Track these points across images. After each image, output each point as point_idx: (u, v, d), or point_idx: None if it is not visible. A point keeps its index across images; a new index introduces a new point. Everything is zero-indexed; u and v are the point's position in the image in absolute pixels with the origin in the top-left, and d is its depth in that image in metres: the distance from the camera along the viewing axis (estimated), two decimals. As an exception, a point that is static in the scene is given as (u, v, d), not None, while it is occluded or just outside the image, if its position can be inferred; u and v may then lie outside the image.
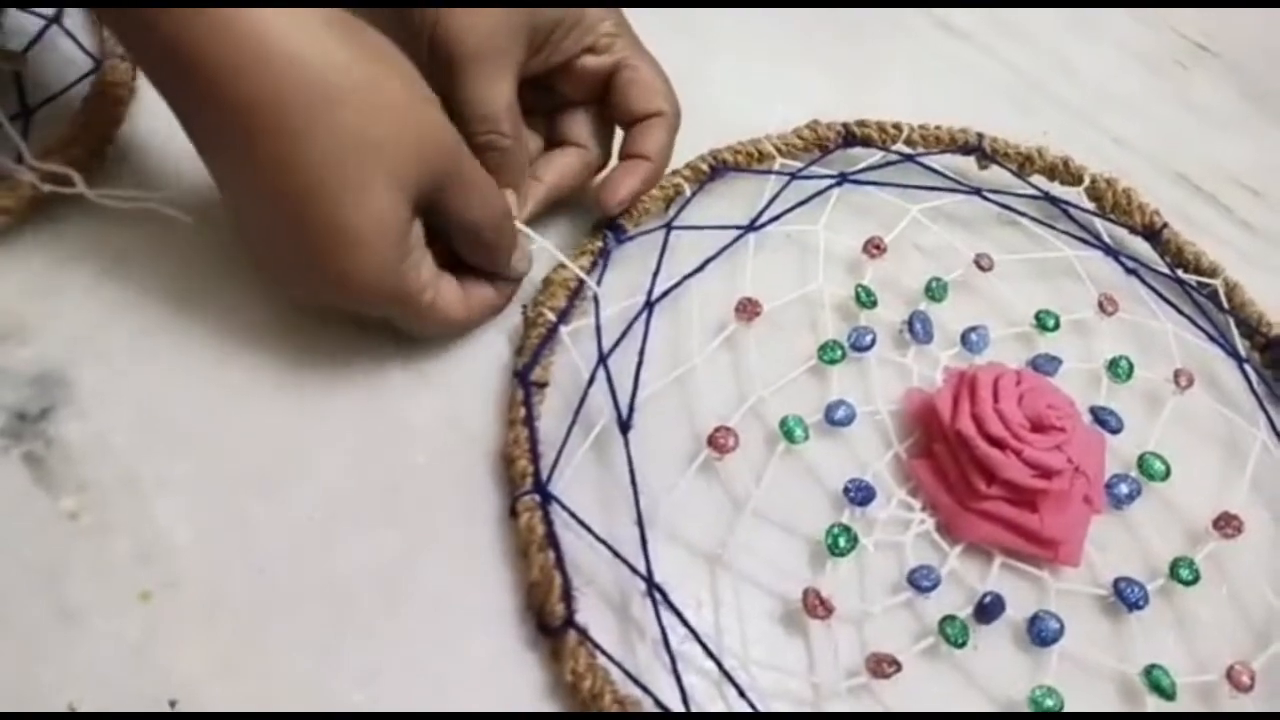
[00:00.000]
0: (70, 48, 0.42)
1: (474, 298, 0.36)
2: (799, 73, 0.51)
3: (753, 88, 0.49)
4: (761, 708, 0.31)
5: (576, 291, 0.38)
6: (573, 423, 0.35)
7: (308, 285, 0.34)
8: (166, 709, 0.29)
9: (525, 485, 0.34)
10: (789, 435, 0.37)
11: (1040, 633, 0.35)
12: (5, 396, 0.34)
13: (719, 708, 0.32)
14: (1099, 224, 0.46)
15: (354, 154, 0.30)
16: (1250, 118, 0.57)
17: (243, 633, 0.31)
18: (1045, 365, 0.41)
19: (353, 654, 0.31)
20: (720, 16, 0.52)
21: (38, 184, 0.36)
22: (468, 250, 0.35)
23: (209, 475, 0.33)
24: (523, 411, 0.35)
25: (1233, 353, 0.43)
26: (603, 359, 0.37)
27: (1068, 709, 0.33)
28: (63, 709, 0.29)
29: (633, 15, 0.40)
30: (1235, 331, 0.44)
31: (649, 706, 0.30)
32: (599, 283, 0.39)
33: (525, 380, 0.36)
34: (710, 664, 0.32)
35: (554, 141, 0.40)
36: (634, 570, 0.32)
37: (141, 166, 0.39)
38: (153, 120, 0.41)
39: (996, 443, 0.36)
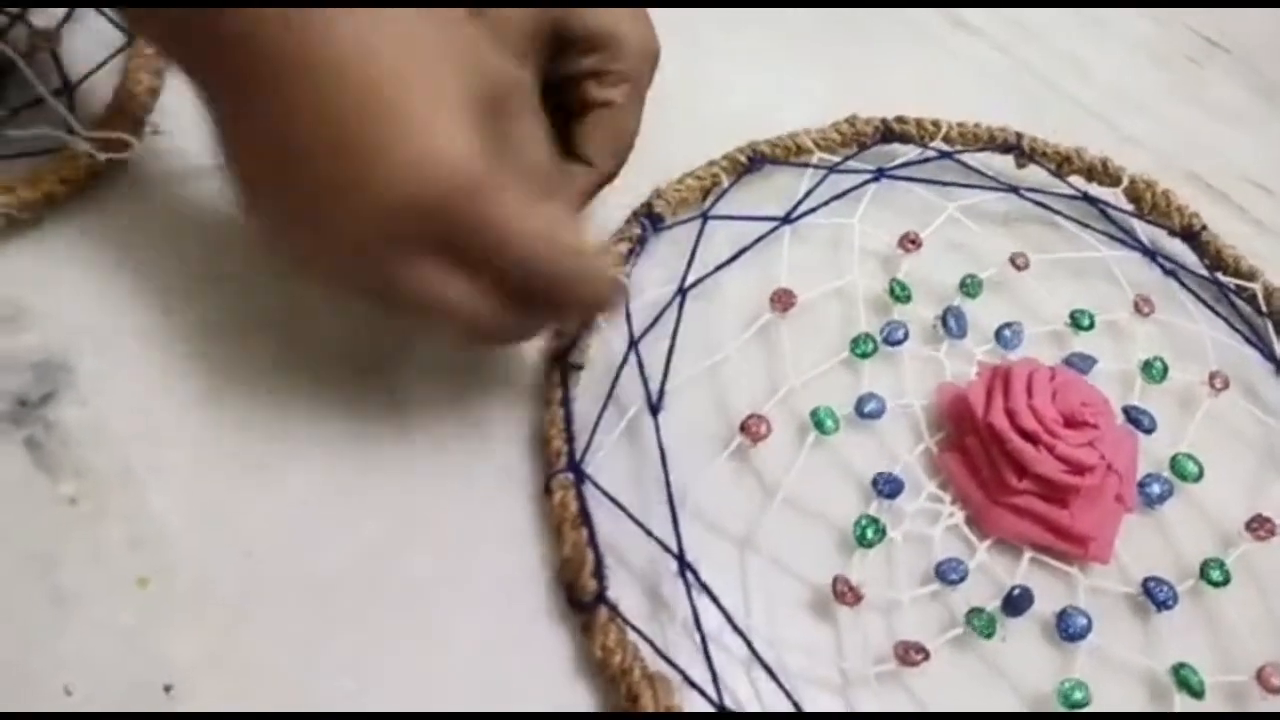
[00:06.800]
0: (100, 23, 0.42)
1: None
2: (807, 73, 0.50)
3: (758, 90, 0.48)
4: (790, 690, 0.31)
5: (615, 277, 0.39)
6: (605, 404, 0.36)
7: (370, 202, 0.29)
8: (161, 694, 0.29)
9: (560, 464, 0.34)
10: (820, 425, 0.37)
11: (1068, 628, 0.35)
12: (8, 381, 0.34)
13: (746, 687, 0.32)
14: (1137, 225, 0.46)
15: (416, 55, 0.29)
16: (1263, 115, 0.56)
17: (236, 619, 0.31)
18: (1079, 364, 0.41)
19: (344, 642, 0.31)
20: (722, 18, 0.52)
21: (95, 153, 0.36)
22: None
23: (202, 463, 0.33)
24: (559, 392, 0.35)
25: (1270, 356, 0.43)
26: (634, 343, 0.37)
27: (1096, 705, 0.33)
28: (57, 693, 0.29)
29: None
30: (1274, 336, 0.44)
31: (677, 682, 0.31)
32: (632, 270, 0.39)
33: (563, 361, 0.36)
34: (738, 644, 0.32)
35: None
36: (665, 548, 0.33)
37: (180, 134, 0.40)
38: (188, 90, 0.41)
39: (1029, 437, 0.36)
